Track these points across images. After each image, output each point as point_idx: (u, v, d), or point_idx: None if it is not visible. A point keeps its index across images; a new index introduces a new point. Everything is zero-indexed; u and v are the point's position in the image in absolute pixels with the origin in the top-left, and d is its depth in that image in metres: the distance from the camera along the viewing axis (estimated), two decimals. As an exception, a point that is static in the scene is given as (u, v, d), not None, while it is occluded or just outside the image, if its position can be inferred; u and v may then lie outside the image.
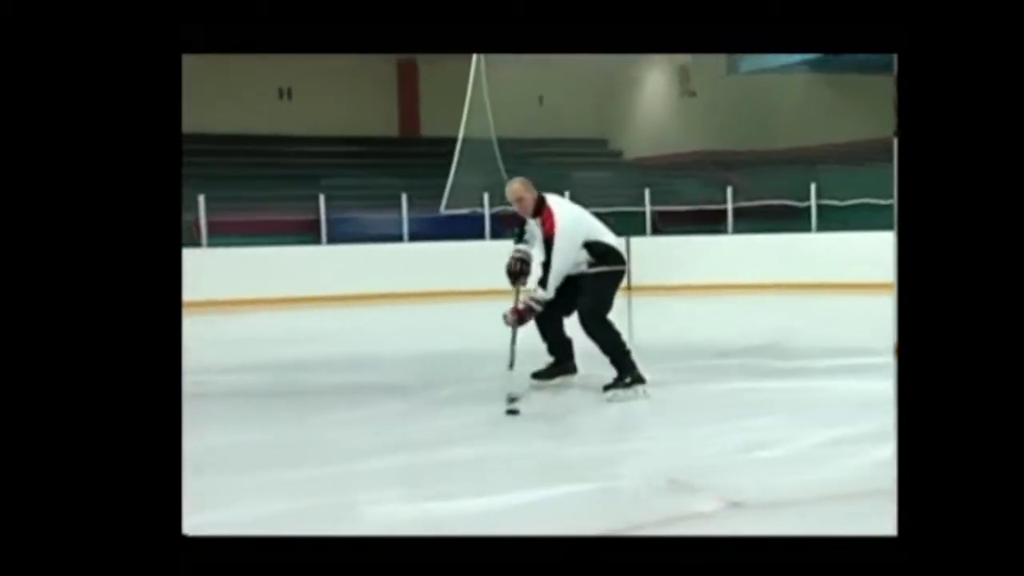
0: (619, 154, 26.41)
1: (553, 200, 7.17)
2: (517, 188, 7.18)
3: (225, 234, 16.51)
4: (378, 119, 25.17)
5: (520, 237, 7.36)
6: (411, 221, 17.66)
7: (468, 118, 17.39)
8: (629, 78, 25.90)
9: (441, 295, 15.62)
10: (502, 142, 17.83)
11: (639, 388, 6.94)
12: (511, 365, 6.89)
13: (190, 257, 16.49)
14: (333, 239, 17.32)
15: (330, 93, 24.27)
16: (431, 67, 24.53)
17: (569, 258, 6.91)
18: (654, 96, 27.06)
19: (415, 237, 17.55)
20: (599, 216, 7.39)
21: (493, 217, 17.66)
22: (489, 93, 17.67)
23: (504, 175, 16.83)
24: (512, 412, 6.32)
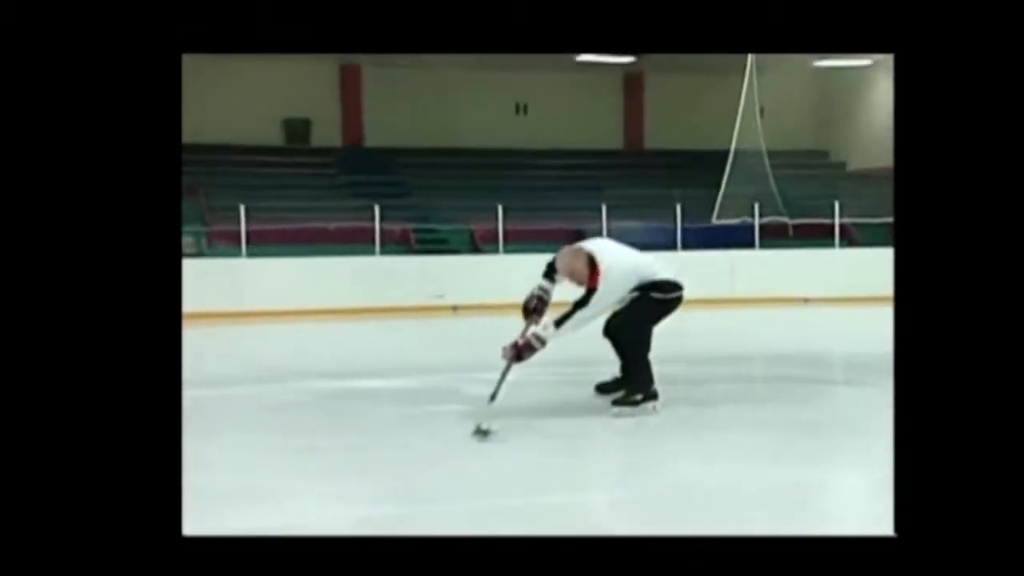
0: (841, 166, 25.19)
1: (608, 265, 6.53)
2: (569, 262, 6.65)
3: (520, 241, 17.37)
4: (605, 132, 25.23)
5: (549, 273, 6.77)
6: (684, 231, 18.08)
7: (739, 128, 17.80)
8: (850, 86, 24.70)
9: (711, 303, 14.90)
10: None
11: (649, 404, 6.64)
12: (493, 398, 6.21)
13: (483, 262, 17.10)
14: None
15: (562, 107, 24.53)
16: (657, 79, 24.71)
17: (601, 312, 6.58)
18: (879, 104, 25.77)
19: (687, 246, 17.84)
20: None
21: (762, 228, 18.05)
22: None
23: (773, 186, 17.55)
24: (482, 432, 5.89)
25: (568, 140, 23.89)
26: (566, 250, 6.73)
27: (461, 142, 23.06)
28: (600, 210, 17.77)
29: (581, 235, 7.49)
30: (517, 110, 24.89)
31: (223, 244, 17.65)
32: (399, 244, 19.12)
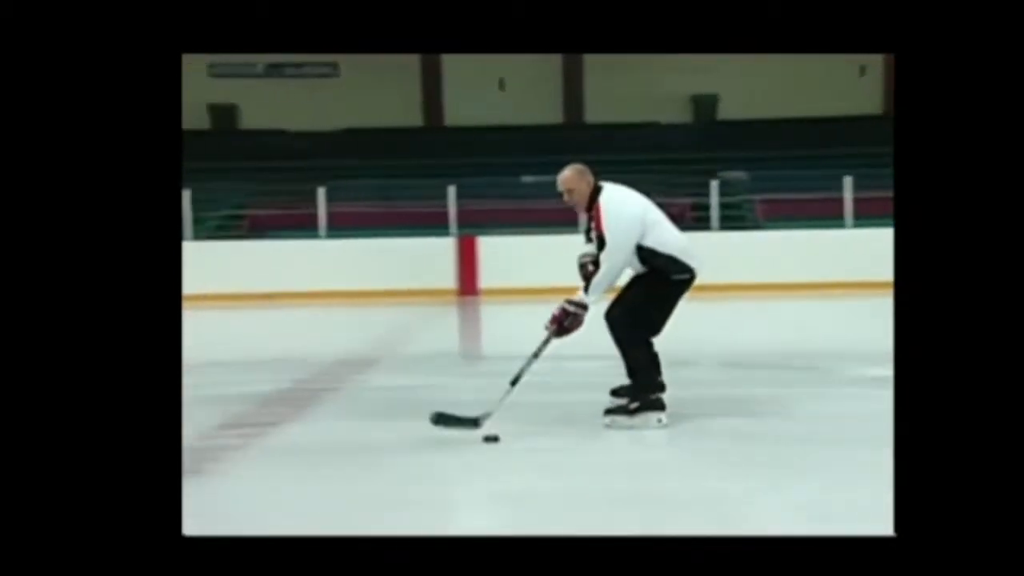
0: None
1: (609, 193, 5.79)
2: (568, 178, 5.84)
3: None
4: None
5: (588, 236, 5.94)
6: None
7: None
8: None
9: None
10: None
11: (651, 416, 5.68)
12: (515, 382, 5.57)
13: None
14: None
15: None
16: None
17: (621, 261, 5.67)
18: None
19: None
20: None
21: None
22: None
23: None
24: (489, 440, 5.37)
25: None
26: (571, 167, 5.90)
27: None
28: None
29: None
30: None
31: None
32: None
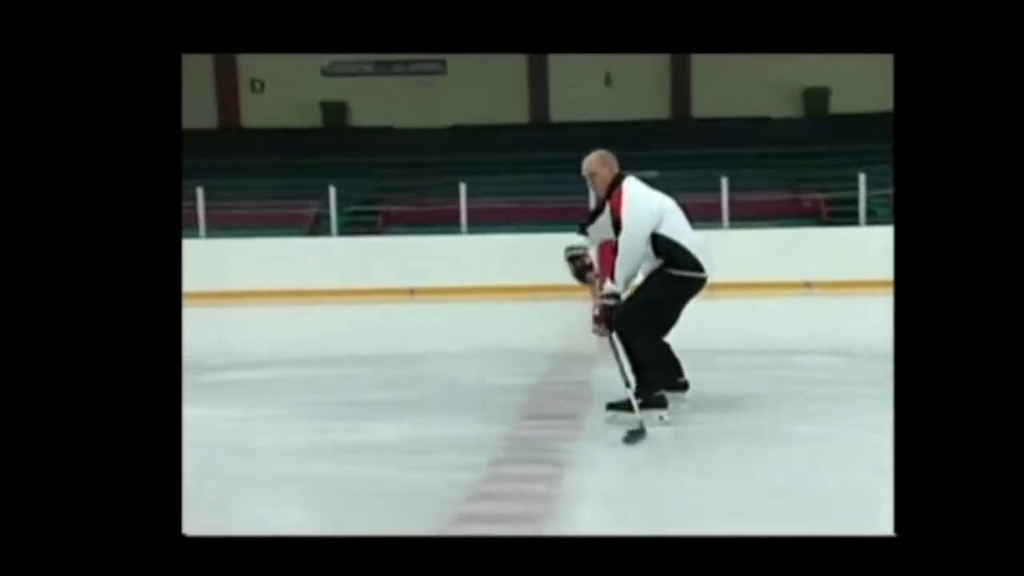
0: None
1: (631, 181, 5.95)
2: (593, 161, 6.02)
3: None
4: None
5: (582, 229, 6.21)
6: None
7: None
8: None
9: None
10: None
11: (653, 413, 5.67)
12: (628, 384, 5.68)
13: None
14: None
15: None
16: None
17: (639, 245, 5.74)
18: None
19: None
20: None
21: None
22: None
23: None
24: (633, 437, 5.39)
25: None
26: (597, 152, 6.07)
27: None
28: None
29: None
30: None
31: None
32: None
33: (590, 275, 6.09)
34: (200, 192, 16.41)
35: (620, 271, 5.75)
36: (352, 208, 18.88)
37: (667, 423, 5.70)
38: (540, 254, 14.80)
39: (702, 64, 24.85)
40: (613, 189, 5.93)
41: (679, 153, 20.36)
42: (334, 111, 25.52)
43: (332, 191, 16.67)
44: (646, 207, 5.82)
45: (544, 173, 18.70)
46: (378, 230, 18.90)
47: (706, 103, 25.11)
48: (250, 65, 25.39)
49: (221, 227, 16.77)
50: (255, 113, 25.61)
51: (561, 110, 25.41)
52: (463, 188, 16.63)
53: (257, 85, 25.70)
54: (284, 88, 25.27)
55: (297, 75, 24.78)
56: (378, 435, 5.86)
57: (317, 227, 18.58)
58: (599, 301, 5.85)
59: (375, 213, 19.73)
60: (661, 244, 5.80)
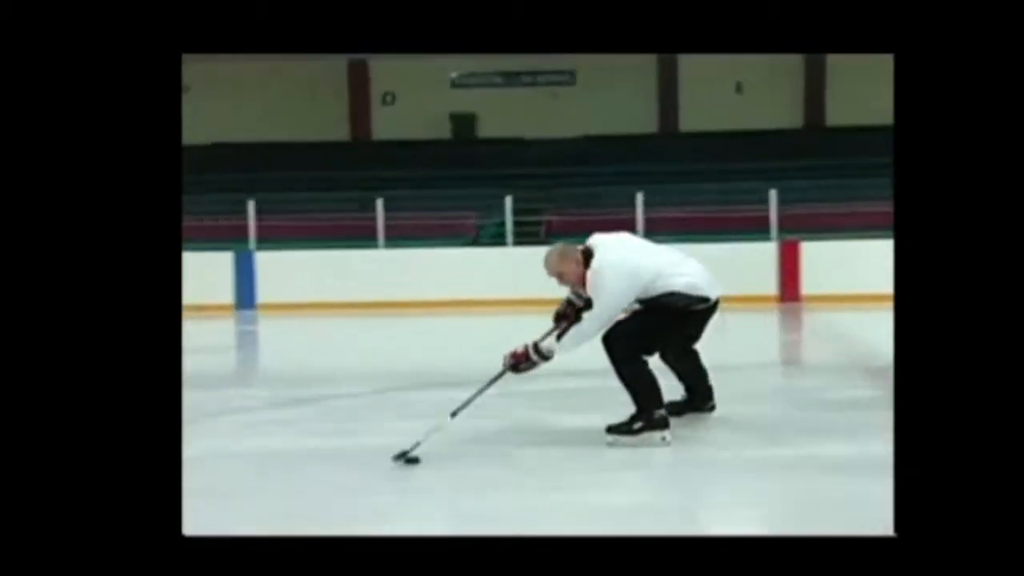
0: None
1: (601, 258, 5.51)
2: (552, 264, 5.63)
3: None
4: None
5: (577, 314, 5.75)
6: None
7: None
8: None
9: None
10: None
11: (655, 435, 5.45)
12: (454, 414, 5.39)
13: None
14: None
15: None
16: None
17: (598, 328, 5.47)
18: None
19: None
20: None
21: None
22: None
23: None
24: (411, 461, 5.11)
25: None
26: (553, 251, 5.69)
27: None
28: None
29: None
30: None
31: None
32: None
33: (562, 324, 5.65)
34: (380, 203, 16.62)
35: (572, 342, 5.48)
36: (516, 219, 18.61)
37: (668, 444, 5.47)
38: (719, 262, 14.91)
39: (838, 69, 24.26)
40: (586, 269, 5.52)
41: (809, 164, 19.99)
42: (463, 122, 25.75)
43: (508, 200, 16.63)
44: (617, 291, 5.43)
45: (674, 183, 18.45)
46: (542, 240, 18.72)
47: (842, 110, 24.52)
48: (381, 78, 25.79)
49: (389, 239, 16.77)
50: (384, 126, 25.82)
51: (690, 119, 25.18)
52: (640, 197, 16.30)
53: (388, 98, 26.09)
54: (414, 100, 25.49)
55: (427, 87, 25.07)
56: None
57: (477, 237, 18.80)
58: (529, 345, 5.52)
59: (538, 223, 19.61)
60: (650, 304, 5.55)
